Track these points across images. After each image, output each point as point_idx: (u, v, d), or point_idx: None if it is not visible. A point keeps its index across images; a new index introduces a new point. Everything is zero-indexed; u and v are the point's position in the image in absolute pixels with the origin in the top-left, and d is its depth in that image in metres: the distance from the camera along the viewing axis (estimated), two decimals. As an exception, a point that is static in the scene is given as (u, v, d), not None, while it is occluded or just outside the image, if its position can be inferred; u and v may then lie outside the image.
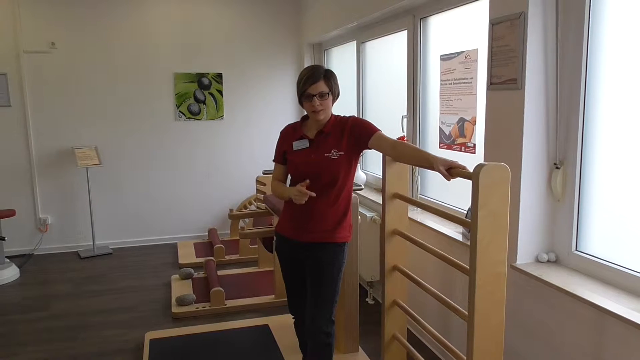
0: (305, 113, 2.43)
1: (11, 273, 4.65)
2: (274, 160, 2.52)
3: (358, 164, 4.38)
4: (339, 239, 2.39)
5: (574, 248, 2.29)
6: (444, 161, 1.96)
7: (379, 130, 2.32)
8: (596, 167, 2.20)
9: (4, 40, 5.05)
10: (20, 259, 5.16)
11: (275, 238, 2.60)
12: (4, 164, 5.21)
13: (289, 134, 2.45)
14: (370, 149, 2.33)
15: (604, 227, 2.18)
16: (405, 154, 2.20)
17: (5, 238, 4.69)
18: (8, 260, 4.78)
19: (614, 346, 1.95)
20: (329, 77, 2.30)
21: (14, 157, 5.22)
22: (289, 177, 2.49)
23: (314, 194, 2.25)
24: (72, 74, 5.26)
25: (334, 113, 2.41)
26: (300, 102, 2.34)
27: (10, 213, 4.81)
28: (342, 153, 2.32)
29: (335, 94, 2.35)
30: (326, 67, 2.39)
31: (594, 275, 2.17)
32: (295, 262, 2.48)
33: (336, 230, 2.38)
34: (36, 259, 5.25)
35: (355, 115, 2.44)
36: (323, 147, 2.33)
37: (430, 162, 2.01)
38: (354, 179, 2.49)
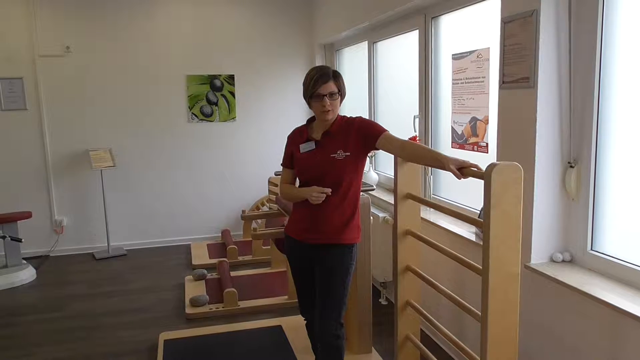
0: (311, 115, 2.44)
1: (28, 274, 4.71)
2: (282, 165, 2.53)
3: (370, 164, 4.40)
4: (346, 240, 2.39)
5: (589, 247, 2.26)
6: (456, 161, 1.95)
7: (387, 130, 2.31)
8: (611, 166, 2.17)
9: (20, 45, 5.13)
10: (37, 260, 5.23)
11: (285, 240, 2.60)
12: (21, 167, 5.28)
13: (295, 138, 2.46)
14: (378, 149, 2.32)
15: (620, 226, 2.15)
16: (415, 154, 2.19)
17: (22, 240, 4.75)
18: (25, 261, 4.85)
19: (631, 347, 1.92)
20: (337, 77, 2.32)
21: (30, 160, 5.30)
22: (297, 179, 2.50)
23: (329, 190, 2.27)
24: (87, 77, 5.32)
25: (340, 114, 2.41)
26: (309, 103, 2.34)
27: (26, 215, 4.89)
28: (348, 154, 2.32)
29: (343, 95, 2.36)
30: (335, 68, 2.39)
31: (610, 275, 2.14)
32: (304, 264, 2.48)
33: (344, 232, 2.38)
34: (52, 260, 5.31)
35: (362, 116, 2.43)
36: (329, 147, 2.34)
37: (441, 162, 1.99)
38: (367, 179, 2.49)
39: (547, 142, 2.29)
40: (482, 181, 1.92)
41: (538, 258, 2.37)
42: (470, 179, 1.98)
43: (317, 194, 2.28)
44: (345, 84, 2.38)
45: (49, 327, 3.71)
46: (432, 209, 3.45)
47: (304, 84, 2.33)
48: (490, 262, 1.93)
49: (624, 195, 2.12)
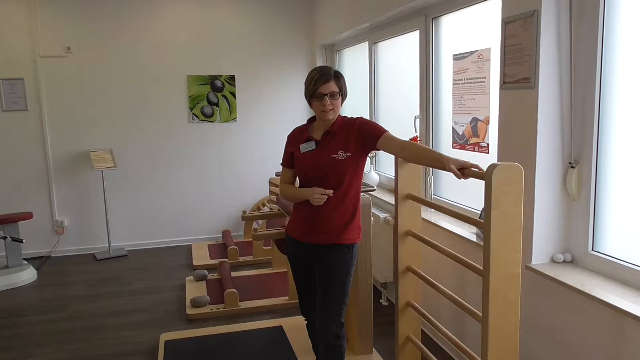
0: (312, 115, 2.44)
1: (29, 275, 4.71)
2: (282, 164, 2.53)
3: (371, 165, 4.40)
4: (347, 240, 2.39)
5: (590, 248, 2.26)
6: (456, 161, 1.95)
7: (387, 131, 2.32)
8: (612, 166, 2.17)
9: (21, 46, 5.13)
10: (38, 261, 5.24)
11: (285, 240, 2.60)
12: (22, 167, 5.29)
13: (296, 137, 2.46)
14: (379, 150, 2.32)
15: (621, 227, 2.15)
16: (416, 154, 2.19)
17: (23, 240, 4.76)
18: (26, 262, 4.85)
19: (632, 348, 1.92)
20: (339, 77, 2.32)
21: (31, 161, 5.30)
22: (297, 179, 2.50)
23: (331, 192, 2.27)
24: (87, 78, 5.33)
25: (340, 114, 2.41)
26: (309, 103, 2.35)
27: (27, 216, 4.89)
28: (349, 154, 2.32)
29: (344, 95, 2.35)
30: (336, 69, 2.39)
31: (611, 276, 2.14)
32: (304, 264, 2.48)
33: (344, 232, 2.38)
34: (53, 260, 5.32)
35: (363, 117, 2.43)
36: (329, 148, 2.34)
37: (441, 162, 2.00)
38: (367, 180, 2.49)
39: (548, 143, 2.29)
40: (483, 182, 1.92)
41: (539, 258, 2.36)
42: (472, 179, 1.98)
43: (319, 195, 2.28)
44: (346, 84, 2.38)
45: (50, 328, 3.71)
46: (432, 210, 3.45)
47: (306, 83, 2.34)
48: (491, 262, 1.93)
49: (625, 195, 2.12)
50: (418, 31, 3.61)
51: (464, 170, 1.94)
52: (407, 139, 2.44)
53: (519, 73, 2.35)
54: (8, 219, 4.72)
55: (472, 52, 2.99)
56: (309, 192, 2.31)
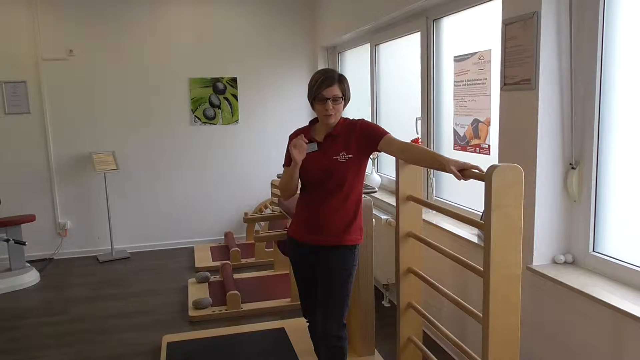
0: (314, 117, 2.45)
1: (32, 277, 4.73)
2: (284, 165, 2.54)
3: (373, 167, 4.40)
4: (348, 242, 2.39)
5: (592, 249, 2.26)
6: (456, 162, 1.96)
7: (388, 133, 2.32)
8: (613, 167, 2.17)
9: (23, 48, 5.16)
10: (41, 264, 5.25)
11: (287, 241, 2.61)
12: (24, 170, 5.31)
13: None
14: (380, 152, 2.33)
15: (622, 228, 2.15)
16: (416, 156, 2.20)
17: (26, 243, 4.77)
18: (29, 264, 4.87)
19: (633, 349, 1.92)
20: (342, 81, 2.33)
21: (33, 163, 5.32)
22: (299, 181, 2.50)
23: (306, 141, 2.27)
24: (90, 80, 5.35)
25: (342, 116, 2.41)
26: (312, 105, 2.35)
27: (30, 218, 4.90)
28: (350, 156, 2.33)
29: (347, 99, 2.36)
30: (339, 71, 2.40)
31: (612, 277, 2.14)
32: (306, 265, 2.49)
33: (346, 233, 2.38)
34: (56, 263, 5.33)
35: (364, 119, 2.44)
36: (331, 149, 2.35)
37: (441, 164, 2.00)
38: (369, 182, 2.50)
39: (548, 144, 2.29)
40: (484, 183, 1.92)
41: (540, 260, 2.36)
42: (473, 181, 1.98)
43: (295, 143, 2.27)
44: (349, 88, 2.38)
45: (53, 330, 3.72)
46: (434, 211, 3.45)
47: (309, 85, 2.34)
48: (492, 263, 1.93)
49: (625, 196, 2.12)
50: (419, 33, 3.61)
51: (464, 172, 1.95)
52: (409, 141, 2.45)
53: (519, 74, 2.35)
54: (11, 221, 4.73)
55: (473, 54, 2.99)
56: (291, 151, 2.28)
